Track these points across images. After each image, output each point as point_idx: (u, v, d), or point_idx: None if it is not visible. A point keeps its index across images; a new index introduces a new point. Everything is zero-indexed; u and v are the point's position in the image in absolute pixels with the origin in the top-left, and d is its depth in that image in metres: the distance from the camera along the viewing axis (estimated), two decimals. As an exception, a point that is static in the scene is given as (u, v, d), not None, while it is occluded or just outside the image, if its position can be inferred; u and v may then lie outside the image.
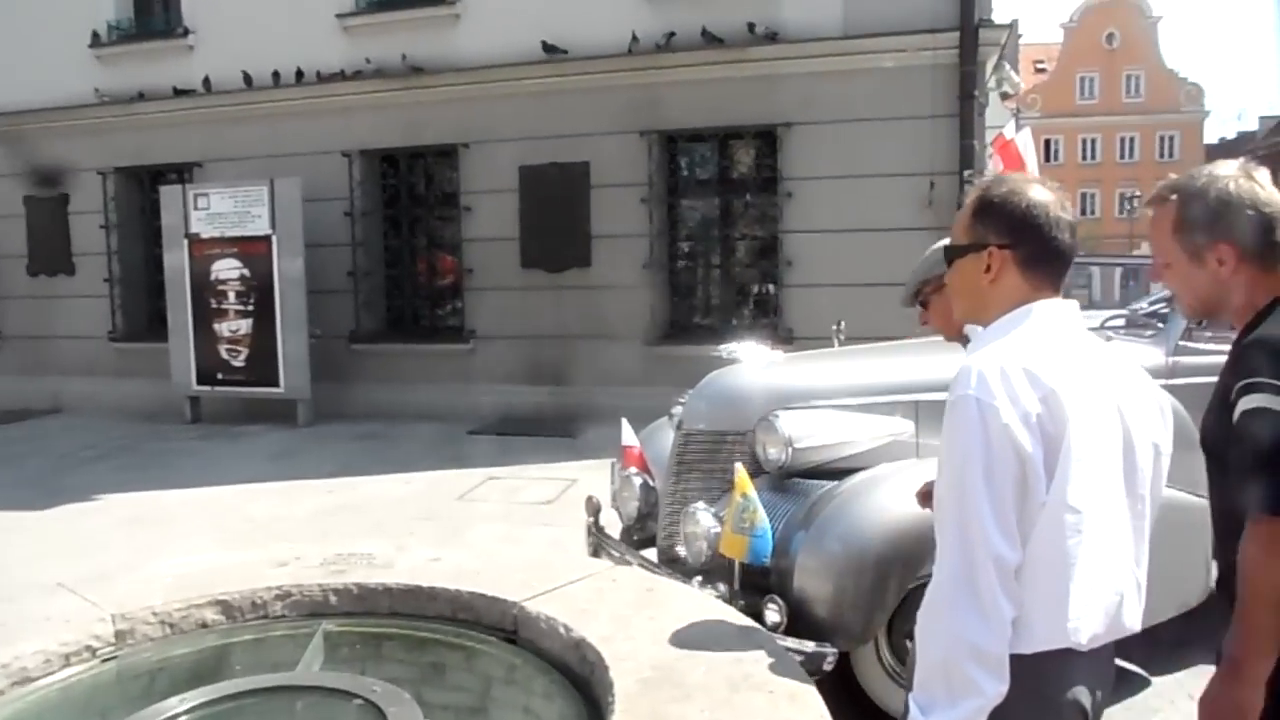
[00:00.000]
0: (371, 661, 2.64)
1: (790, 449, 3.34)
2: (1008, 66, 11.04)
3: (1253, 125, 62.44)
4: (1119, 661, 3.76)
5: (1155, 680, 3.67)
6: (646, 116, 9.48)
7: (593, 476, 7.08)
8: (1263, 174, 1.83)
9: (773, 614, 2.93)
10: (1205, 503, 3.69)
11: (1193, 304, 1.93)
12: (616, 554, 3.71)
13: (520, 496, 6.73)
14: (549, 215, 9.69)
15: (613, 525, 4.16)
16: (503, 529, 5.86)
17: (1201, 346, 3.99)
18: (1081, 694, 1.55)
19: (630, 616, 2.63)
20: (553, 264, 9.85)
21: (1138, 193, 51.83)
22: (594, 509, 4.11)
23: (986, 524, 1.44)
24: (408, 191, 10.87)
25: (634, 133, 9.51)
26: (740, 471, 3.12)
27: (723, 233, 10.01)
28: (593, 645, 2.43)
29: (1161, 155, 55.60)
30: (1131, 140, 55.67)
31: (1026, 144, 13.19)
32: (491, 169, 9.91)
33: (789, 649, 2.64)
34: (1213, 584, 3.64)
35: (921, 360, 4.05)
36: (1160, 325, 4.03)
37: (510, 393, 9.91)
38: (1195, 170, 1.88)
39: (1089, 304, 5.16)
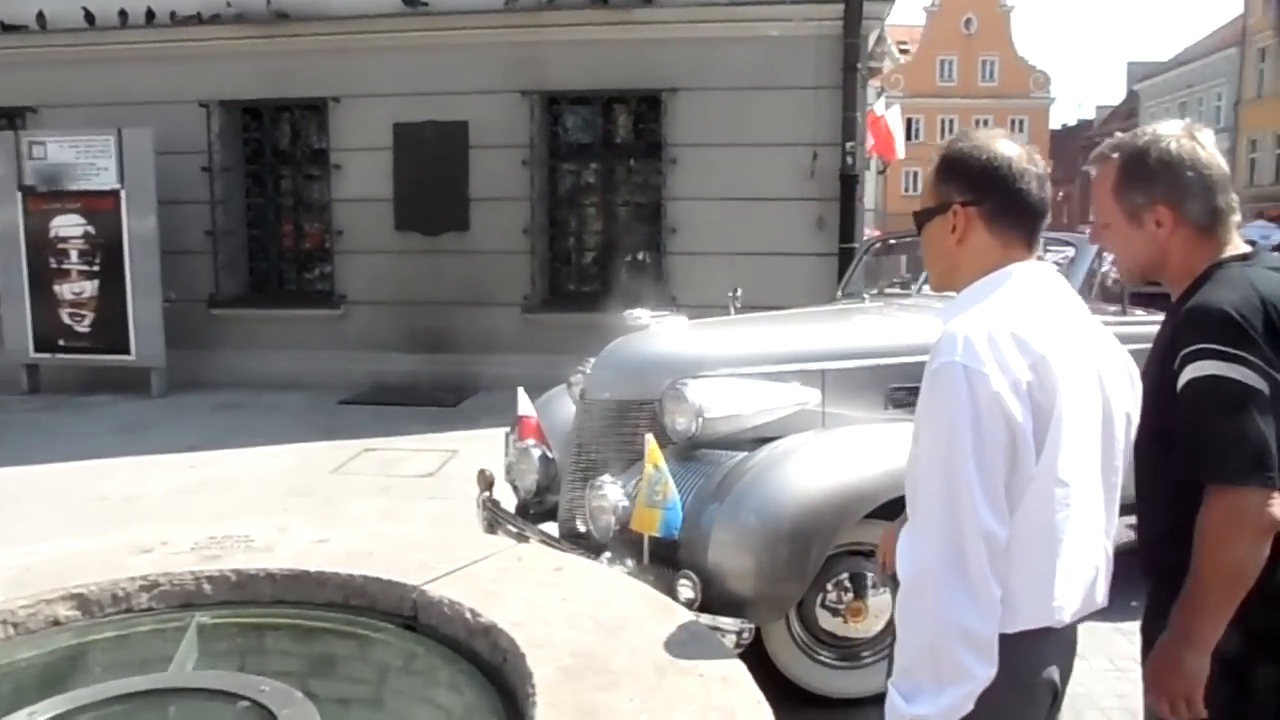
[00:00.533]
0: (254, 656, 2.39)
1: (700, 419, 3.23)
2: (889, 41, 11.22)
3: (1090, 114, 66.52)
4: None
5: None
6: (528, 76, 9.18)
7: (475, 447, 6.84)
8: (1206, 135, 1.78)
9: (686, 590, 2.82)
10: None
11: (1131, 267, 1.88)
12: (514, 529, 3.53)
13: (399, 469, 6.43)
14: (425, 176, 9.29)
15: (506, 499, 3.98)
16: (384, 504, 5.57)
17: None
18: (1054, 672, 1.50)
19: (541, 598, 2.47)
20: (429, 227, 9.46)
21: (991, 172, 54.24)
22: (487, 482, 3.91)
23: (976, 499, 1.34)
24: (272, 147, 10.20)
25: (515, 92, 9.20)
26: (651, 442, 3.00)
27: (605, 198, 9.84)
28: (504, 631, 2.26)
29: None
30: (986, 122, 57.96)
31: (895, 120, 13.55)
32: (364, 126, 9.41)
33: (711, 627, 2.54)
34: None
35: (827, 328, 4.01)
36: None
37: (384, 360, 9.50)
38: (1140, 129, 1.83)
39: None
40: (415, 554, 2.76)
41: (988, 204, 1.54)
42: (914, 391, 3.67)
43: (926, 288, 4.55)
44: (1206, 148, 1.75)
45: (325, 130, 9.69)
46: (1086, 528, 1.48)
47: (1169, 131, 1.76)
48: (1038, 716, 1.50)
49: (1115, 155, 1.80)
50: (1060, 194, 62.96)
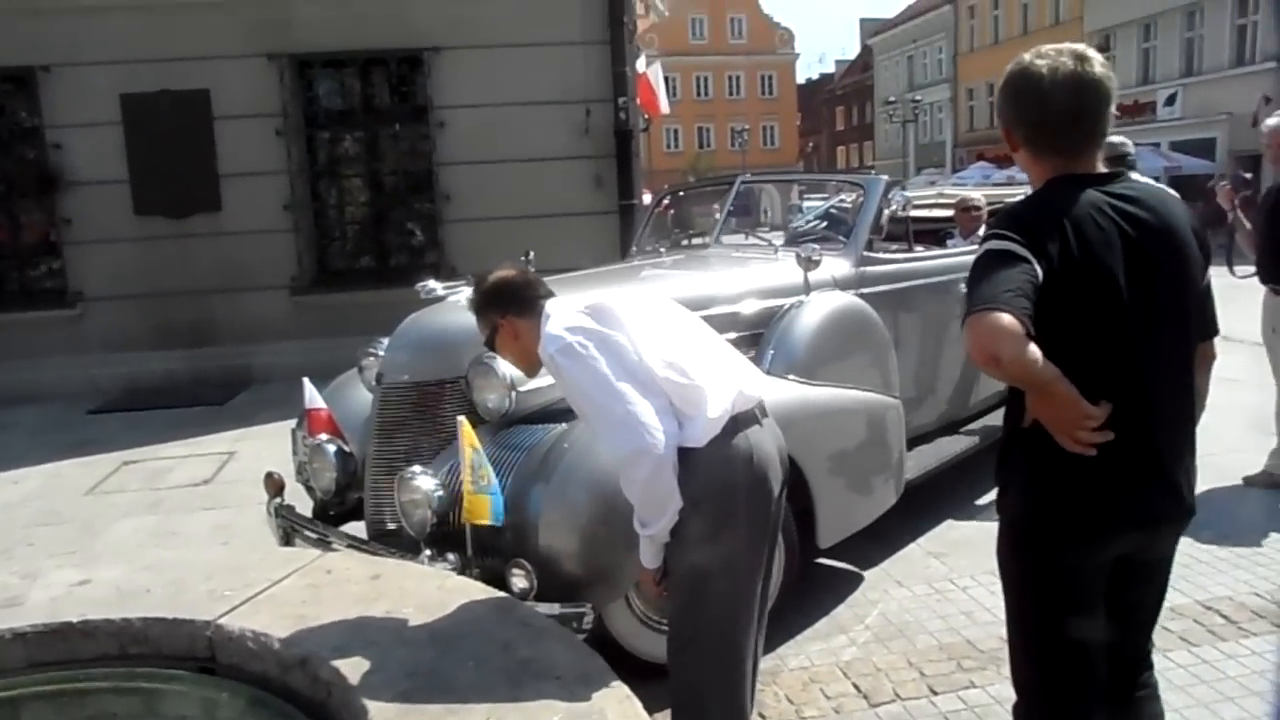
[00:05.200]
0: (10, 739, 1.97)
1: (513, 393, 3.00)
2: (653, -6, 11.17)
3: (831, 68, 70.59)
4: (833, 562, 3.87)
5: (866, 574, 3.85)
6: (274, 38, 8.42)
7: (254, 448, 6.26)
8: (1074, 66, 1.74)
9: (520, 580, 2.61)
10: (893, 400, 3.87)
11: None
12: (315, 535, 3.17)
13: (167, 480, 5.76)
14: (165, 152, 8.34)
15: (300, 503, 3.59)
16: (154, 522, 4.94)
17: (882, 256, 4.18)
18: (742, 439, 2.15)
19: (361, 615, 2.19)
20: (175, 209, 8.54)
21: (746, 126, 56.56)
22: (276, 487, 3.51)
23: (629, 398, 2.05)
24: (-33, 127, 8.83)
25: (260, 56, 8.42)
26: (464, 424, 2.74)
27: (371, 167, 9.25)
28: (324, 660, 1.98)
29: (763, 92, 61.01)
30: (738, 79, 60.43)
31: (657, 77, 13.64)
32: (84, 98, 8.29)
33: (553, 617, 2.35)
34: (905, 481, 3.88)
35: (634, 287, 3.86)
36: (843, 240, 4.16)
37: (134, 360, 8.54)
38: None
39: (759, 224, 5.26)
40: (203, 583, 2.39)
41: (515, 308, 2.27)
42: (728, 344, 3.56)
43: (725, 238, 4.52)
44: (1054, 77, 1.73)
45: (36, 104, 8.47)
46: (693, 365, 2.15)
47: (1031, 56, 1.78)
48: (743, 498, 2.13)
49: None
50: (810, 144, 66.57)
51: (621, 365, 2.08)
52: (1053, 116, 1.74)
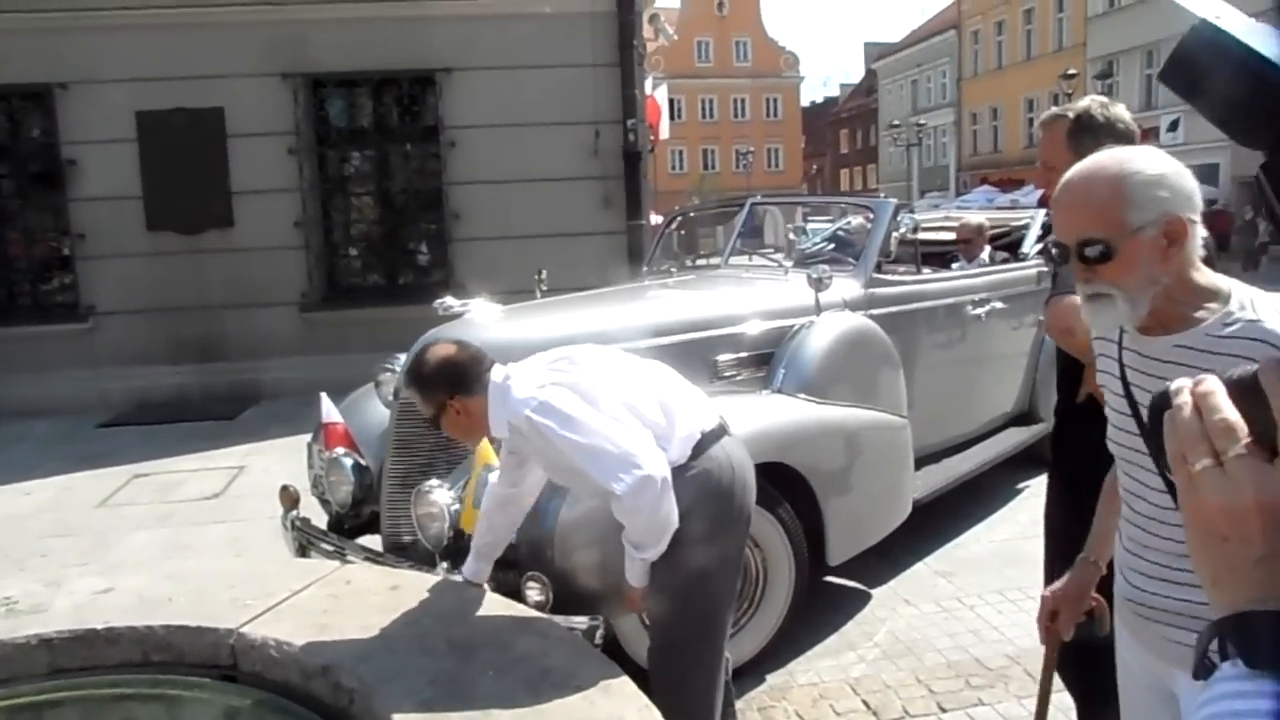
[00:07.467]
0: (37, 743, 2.00)
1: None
2: (662, 18, 11.31)
3: (835, 91, 71.02)
4: (842, 580, 3.90)
5: (874, 592, 3.87)
6: (288, 58, 8.53)
7: (264, 462, 6.30)
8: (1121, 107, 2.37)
9: (535, 592, 2.65)
10: (902, 420, 3.91)
11: None
12: (330, 548, 3.21)
13: (178, 493, 5.80)
14: (178, 169, 8.44)
15: (315, 516, 3.63)
16: (166, 535, 4.98)
17: (891, 278, 4.24)
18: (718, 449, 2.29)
19: (382, 624, 2.22)
20: (187, 225, 8.63)
21: (751, 149, 56.86)
22: (291, 500, 3.54)
23: (623, 437, 2.11)
24: (-16, 142, 8.93)
25: (275, 75, 8.53)
26: (484, 441, 2.77)
27: (382, 185, 9.34)
28: (346, 668, 2.01)
29: (768, 115, 61.35)
30: (743, 101, 60.77)
31: (663, 99, 13.86)
32: (100, 115, 8.39)
33: (567, 629, 2.38)
34: (913, 500, 3.91)
35: (646, 305, 3.92)
36: (852, 262, 4.21)
37: (145, 375, 8.59)
38: (1065, 106, 2.42)
39: (762, 246, 5.34)
40: (224, 592, 2.43)
41: (462, 389, 2.24)
42: (740, 363, 3.61)
43: (734, 259, 4.58)
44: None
45: (52, 121, 8.58)
46: (661, 399, 2.27)
47: (1098, 100, 2.37)
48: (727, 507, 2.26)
49: (1070, 114, 2.34)
50: (814, 167, 66.85)
51: (601, 405, 2.14)
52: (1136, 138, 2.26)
